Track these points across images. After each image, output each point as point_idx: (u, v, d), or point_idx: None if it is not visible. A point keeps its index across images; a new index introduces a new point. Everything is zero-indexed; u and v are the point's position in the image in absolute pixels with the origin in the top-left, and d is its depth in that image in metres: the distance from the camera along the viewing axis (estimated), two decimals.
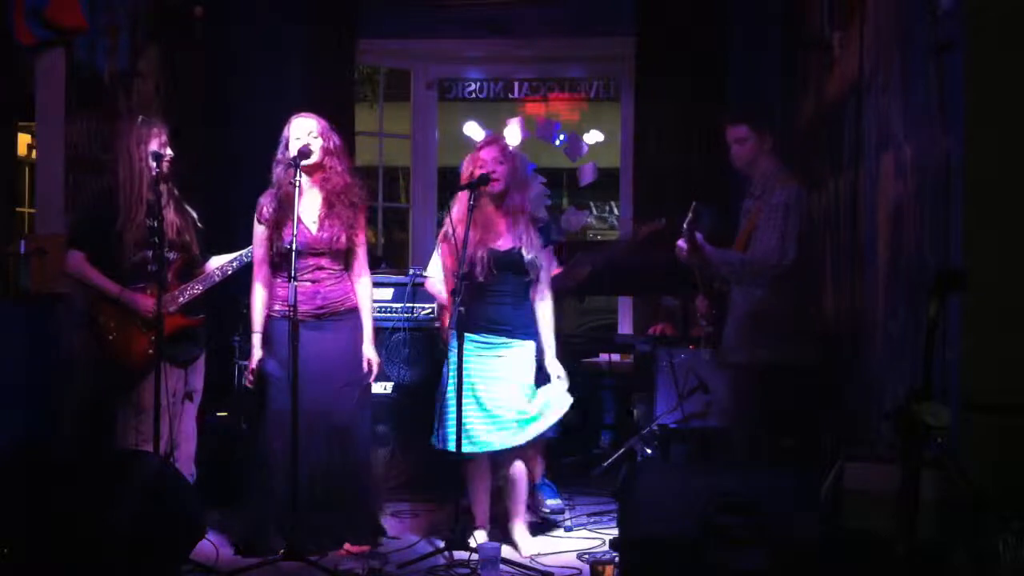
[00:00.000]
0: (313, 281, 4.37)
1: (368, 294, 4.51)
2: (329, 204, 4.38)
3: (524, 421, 4.39)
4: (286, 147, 4.37)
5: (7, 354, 4.61)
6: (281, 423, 4.27)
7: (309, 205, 4.40)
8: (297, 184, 4.24)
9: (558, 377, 4.47)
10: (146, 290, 4.39)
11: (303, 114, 4.44)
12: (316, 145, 4.36)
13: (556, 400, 4.44)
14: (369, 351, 4.46)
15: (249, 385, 4.42)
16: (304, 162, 4.32)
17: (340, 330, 4.41)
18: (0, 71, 4.90)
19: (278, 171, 4.38)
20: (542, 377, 4.52)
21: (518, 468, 4.51)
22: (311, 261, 4.36)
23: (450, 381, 4.36)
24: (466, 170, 4.47)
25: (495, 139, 4.66)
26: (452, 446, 4.29)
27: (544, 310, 4.52)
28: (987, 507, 2.76)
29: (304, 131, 4.37)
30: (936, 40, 3.40)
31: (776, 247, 4.23)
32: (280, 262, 4.38)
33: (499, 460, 4.49)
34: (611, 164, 8.21)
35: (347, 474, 4.36)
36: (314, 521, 4.28)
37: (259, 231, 4.41)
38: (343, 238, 4.37)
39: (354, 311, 4.45)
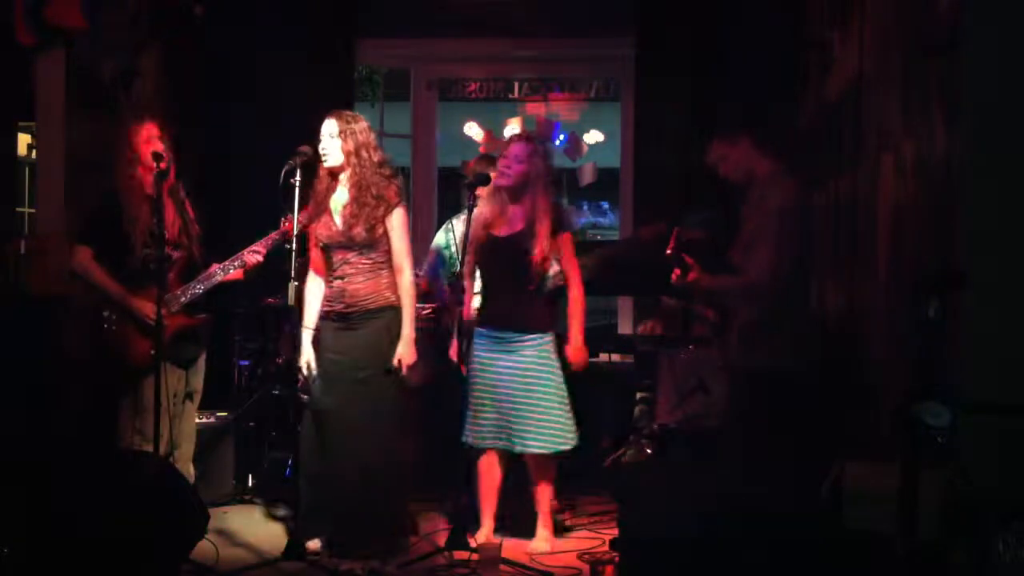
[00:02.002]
0: (341, 278, 4.33)
1: (407, 291, 4.36)
2: (355, 199, 4.34)
3: (535, 429, 4.42)
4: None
5: (7, 354, 4.61)
6: (310, 422, 4.32)
7: (339, 200, 4.38)
8: (296, 184, 4.25)
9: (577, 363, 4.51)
10: (148, 290, 4.37)
11: (331, 113, 4.40)
12: (334, 145, 4.32)
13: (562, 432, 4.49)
14: (402, 349, 4.30)
15: (301, 381, 4.43)
16: (326, 164, 4.35)
17: (370, 327, 4.32)
18: (0, 71, 4.90)
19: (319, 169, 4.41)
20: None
21: (543, 468, 4.53)
22: (339, 256, 4.35)
23: (471, 376, 4.49)
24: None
25: (521, 136, 4.66)
26: (464, 438, 4.46)
27: (574, 298, 4.54)
28: (987, 507, 2.75)
29: (325, 132, 4.35)
30: (936, 40, 3.40)
31: (770, 264, 4.14)
32: (321, 261, 4.44)
33: (513, 458, 4.52)
34: (611, 164, 8.21)
35: (370, 475, 4.26)
36: (338, 523, 4.27)
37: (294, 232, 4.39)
38: (362, 231, 4.29)
39: (390, 308, 4.33)
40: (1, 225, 4.99)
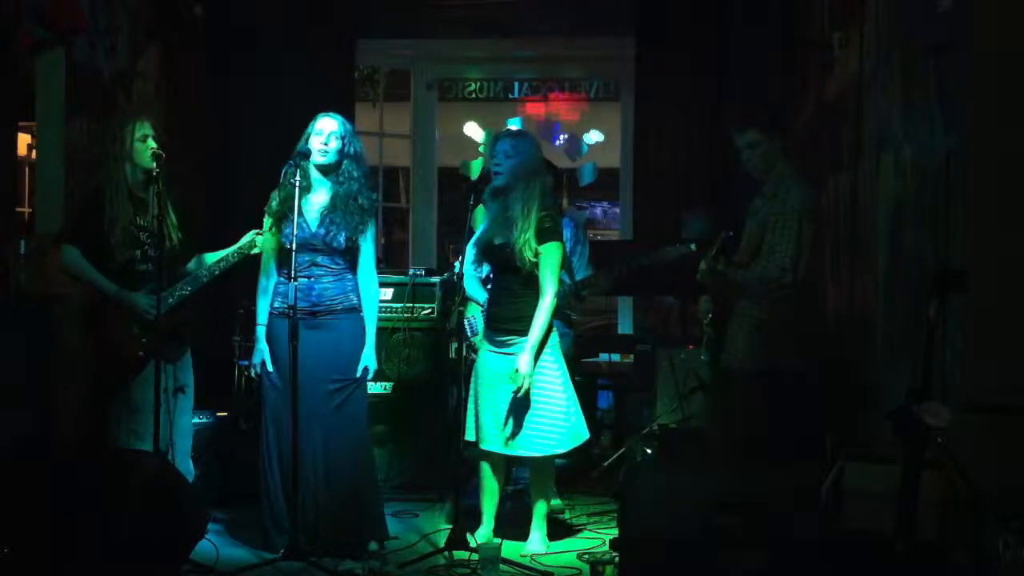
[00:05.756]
0: (309, 278, 4.34)
1: (373, 299, 4.47)
2: (335, 204, 4.36)
3: (532, 431, 4.38)
4: (306, 143, 4.36)
5: (7, 354, 4.61)
6: (277, 423, 4.30)
7: (316, 202, 4.38)
8: (296, 183, 4.24)
9: (513, 377, 4.27)
10: (131, 291, 4.38)
11: (329, 114, 4.41)
12: (334, 146, 4.34)
13: (570, 431, 4.44)
14: (368, 358, 4.41)
15: (256, 378, 4.41)
16: (319, 162, 4.33)
17: (336, 329, 4.37)
18: (0, 71, 4.89)
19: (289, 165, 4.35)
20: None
21: (541, 470, 4.52)
22: (307, 257, 4.33)
23: (474, 378, 4.46)
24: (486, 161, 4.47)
25: (510, 132, 4.64)
26: (468, 437, 4.42)
27: (539, 307, 4.33)
28: (987, 507, 2.75)
29: (327, 130, 4.35)
30: (936, 40, 3.40)
31: (790, 263, 4.13)
32: (282, 258, 4.37)
33: (514, 461, 4.51)
34: (611, 164, 8.22)
35: (343, 477, 4.32)
36: (313, 525, 4.27)
37: (268, 223, 4.39)
38: (341, 238, 4.33)
39: (353, 311, 4.41)
40: (1, 225, 4.98)
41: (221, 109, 6.75)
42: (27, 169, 5.82)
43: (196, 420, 5.11)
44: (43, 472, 3.78)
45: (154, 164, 4.30)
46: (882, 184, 4.11)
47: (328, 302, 4.35)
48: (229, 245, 4.63)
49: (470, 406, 4.47)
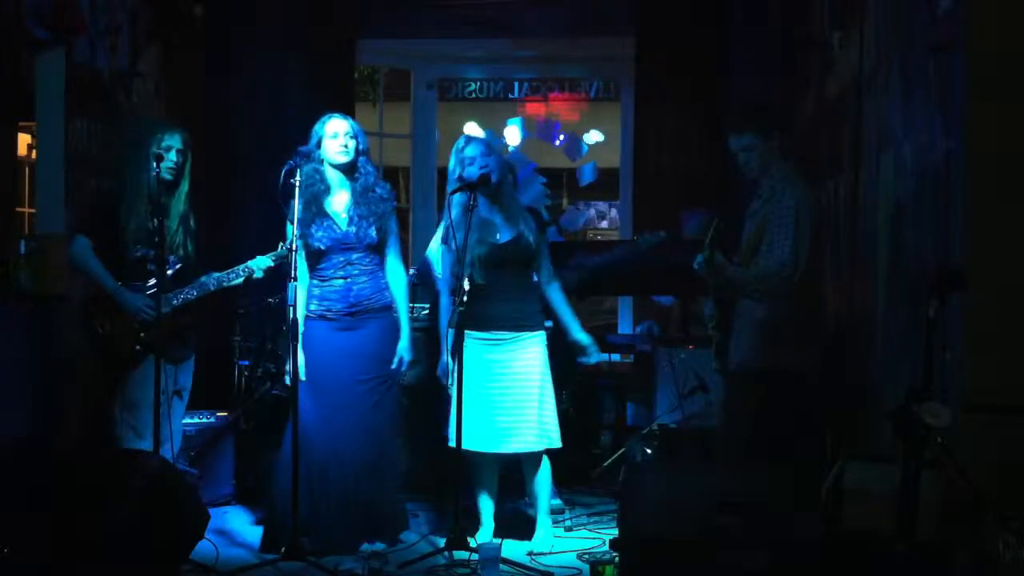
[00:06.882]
0: (345, 278, 4.38)
1: (404, 290, 4.51)
2: (359, 200, 4.40)
3: (537, 425, 4.39)
4: (318, 146, 4.38)
5: (7, 354, 4.61)
6: (311, 425, 4.31)
7: (340, 202, 4.43)
8: (297, 183, 4.25)
9: (591, 345, 4.53)
10: (142, 290, 4.39)
11: (336, 115, 4.45)
12: (352, 145, 4.40)
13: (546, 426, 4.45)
14: (403, 348, 4.44)
15: (286, 388, 4.43)
16: (340, 162, 4.37)
17: (374, 328, 4.41)
18: (0, 71, 4.89)
19: (306, 170, 4.36)
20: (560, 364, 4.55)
21: (540, 466, 4.52)
22: (341, 257, 4.38)
23: (453, 379, 4.35)
24: (454, 170, 4.43)
25: (473, 136, 4.67)
26: (451, 442, 4.30)
27: (556, 292, 4.53)
28: (987, 507, 2.76)
29: (342, 131, 4.39)
30: (936, 40, 3.40)
31: (789, 258, 4.12)
32: (312, 262, 4.41)
33: (510, 459, 4.50)
34: (611, 164, 8.22)
35: (379, 472, 4.40)
36: (346, 520, 4.33)
37: (293, 231, 4.34)
38: (373, 232, 4.38)
39: (387, 309, 4.44)
40: (1, 225, 4.98)
41: (221, 109, 6.75)
42: (27, 169, 5.81)
43: (198, 420, 5.12)
44: (43, 472, 3.78)
45: (155, 164, 4.32)
46: (882, 184, 4.11)
47: (365, 302, 4.39)
48: (226, 245, 4.62)
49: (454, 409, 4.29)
